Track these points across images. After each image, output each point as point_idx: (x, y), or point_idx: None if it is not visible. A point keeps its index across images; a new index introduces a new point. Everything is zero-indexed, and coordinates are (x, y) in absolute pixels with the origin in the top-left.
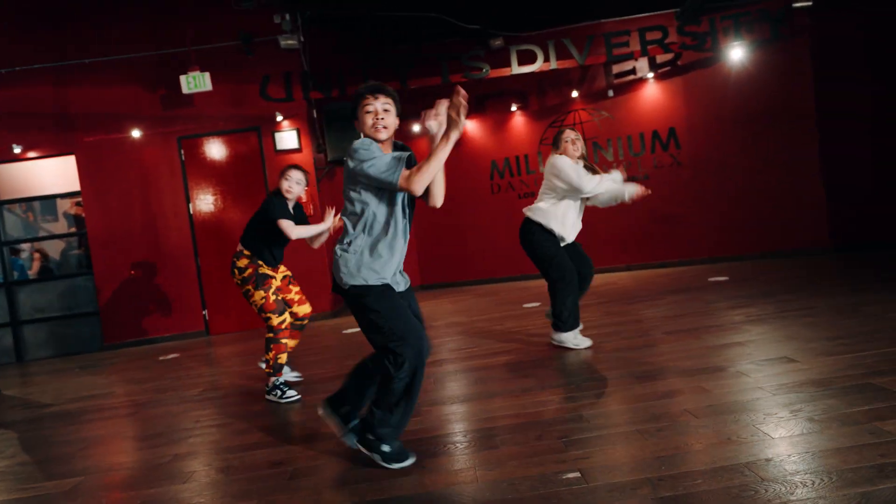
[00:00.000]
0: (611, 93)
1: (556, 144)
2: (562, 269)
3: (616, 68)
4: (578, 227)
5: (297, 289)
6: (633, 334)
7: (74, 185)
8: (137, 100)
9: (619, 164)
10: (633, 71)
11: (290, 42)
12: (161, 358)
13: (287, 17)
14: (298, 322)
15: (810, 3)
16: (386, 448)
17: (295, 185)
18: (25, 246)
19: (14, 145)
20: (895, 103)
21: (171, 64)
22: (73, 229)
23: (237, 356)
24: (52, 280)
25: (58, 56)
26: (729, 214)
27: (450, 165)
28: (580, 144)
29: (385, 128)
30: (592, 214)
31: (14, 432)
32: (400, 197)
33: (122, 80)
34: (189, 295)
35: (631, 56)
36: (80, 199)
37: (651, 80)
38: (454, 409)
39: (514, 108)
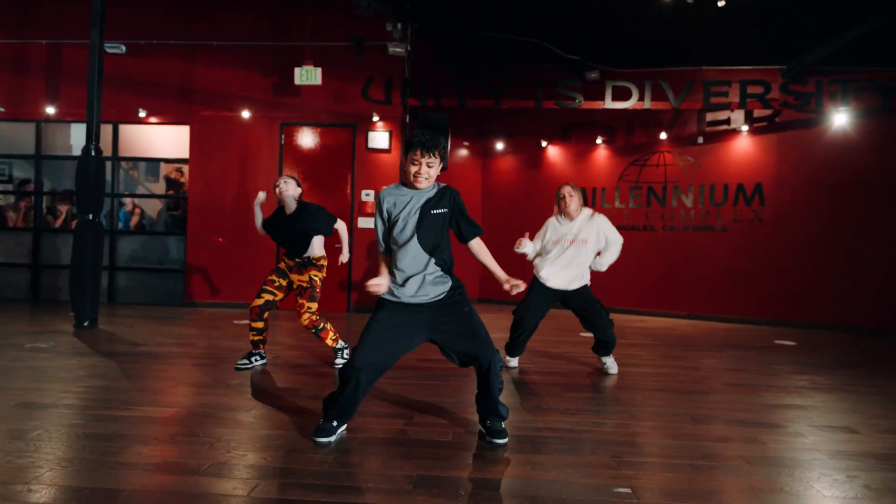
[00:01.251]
0: (700, 139)
1: (556, 201)
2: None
3: (710, 116)
4: (563, 274)
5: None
6: (690, 379)
7: (178, 153)
8: (251, 84)
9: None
10: (728, 121)
11: (397, 49)
12: (235, 322)
13: (399, 25)
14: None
15: None
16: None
17: (282, 185)
18: (127, 200)
19: (140, 109)
20: None
21: (285, 55)
22: (171, 192)
23: (301, 331)
24: (150, 235)
25: (187, 35)
26: (803, 279)
27: (526, 186)
28: (575, 200)
29: (426, 179)
30: (663, 258)
31: (115, 362)
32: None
33: (240, 64)
34: (266, 268)
35: (727, 106)
36: (180, 165)
37: (744, 133)
38: (512, 417)
39: (599, 140)
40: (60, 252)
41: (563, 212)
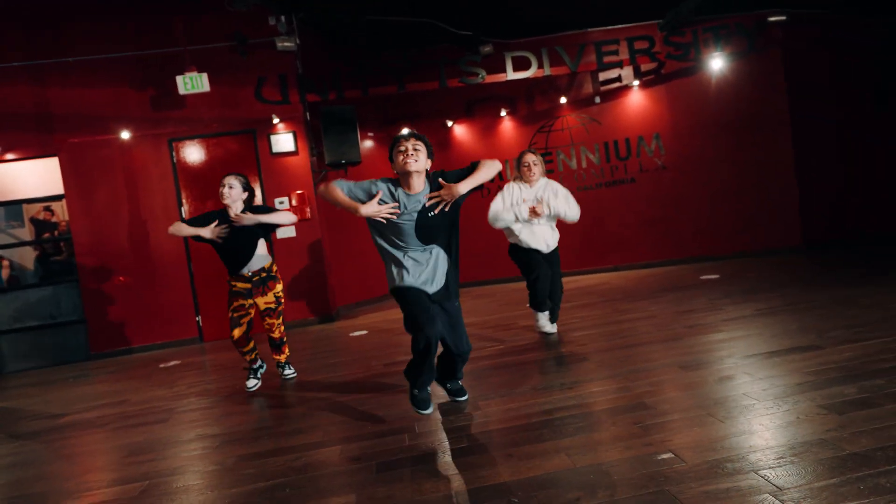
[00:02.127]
0: (598, 99)
1: (517, 166)
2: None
3: (602, 76)
4: (538, 234)
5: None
6: (653, 329)
7: (46, 190)
8: (125, 100)
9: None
10: (619, 78)
11: (286, 44)
12: (162, 365)
13: (282, 18)
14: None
15: (784, 18)
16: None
17: (228, 190)
18: None
19: None
20: (859, 111)
21: (160, 64)
22: (46, 235)
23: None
24: (31, 288)
25: (35, 54)
26: (710, 216)
27: (436, 167)
28: (538, 169)
29: (415, 161)
30: (581, 218)
31: (40, 443)
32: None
33: (109, 81)
34: (182, 301)
35: (619, 64)
36: (49, 204)
37: (636, 88)
38: (517, 402)
39: (503, 112)
40: None
41: (526, 179)
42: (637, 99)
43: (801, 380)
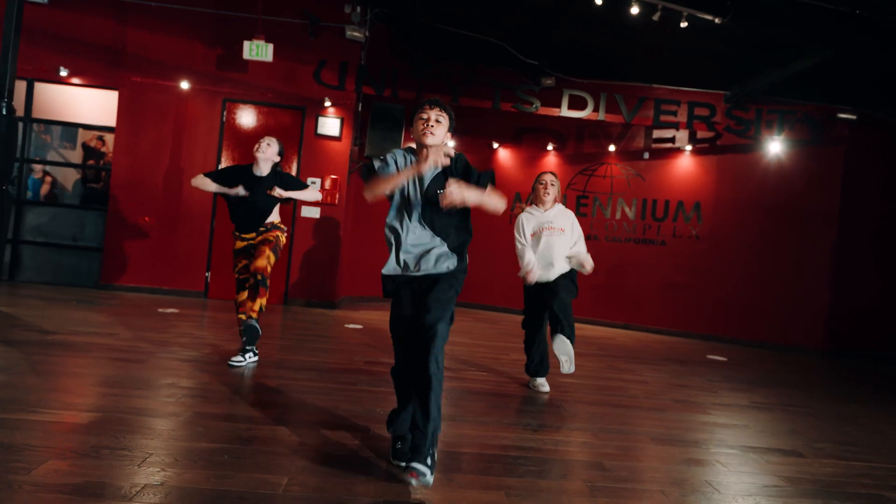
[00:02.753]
0: (646, 155)
1: (532, 187)
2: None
3: (656, 133)
4: (549, 268)
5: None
6: (641, 394)
7: (101, 120)
8: (192, 52)
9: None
10: (673, 139)
11: (355, 34)
12: (160, 310)
13: (358, 9)
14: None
15: (854, 118)
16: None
17: (265, 147)
18: (37, 167)
19: (61, 68)
20: None
21: (233, 27)
22: (91, 162)
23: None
24: (63, 207)
25: None
26: (733, 297)
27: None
28: (553, 190)
29: (433, 134)
30: (602, 268)
31: (23, 353)
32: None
33: (181, 30)
34: (197, 254)
35: (675, 126)
36: (103, 134)
37: (688, 153)
38: (476, 432)
39: (550, 146)
40: None
41: (539, 199)
42: (686, 163)
43: (771, 482)
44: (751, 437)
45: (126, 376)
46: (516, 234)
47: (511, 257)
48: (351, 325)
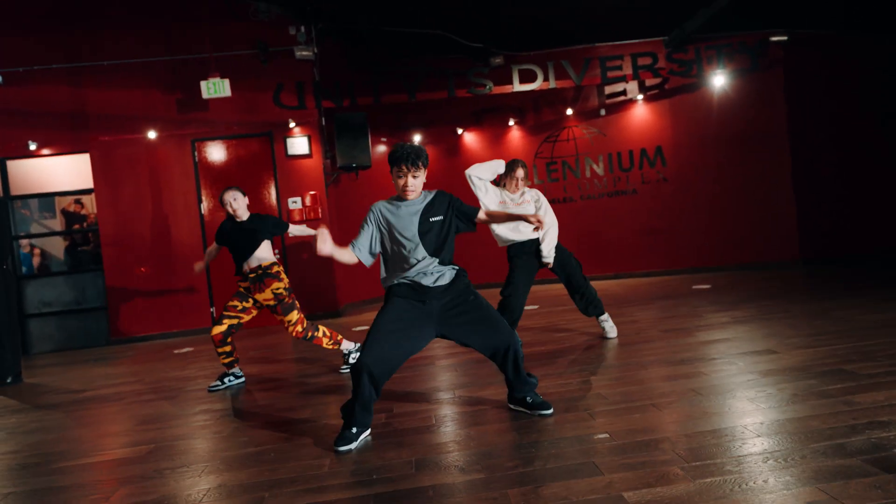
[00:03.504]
0: (603, 111)
1: (504, 174)
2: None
3: (608, 89)
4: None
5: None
6: (631, 332)
7: (77, 184)
8: (153, 102)
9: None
10: (624, 92)
11: (304, 53)
12: (176, 351)
13: (302, 29)
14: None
15: (785, 38)
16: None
17: (233, 203)
18: (24, 242)
19: (30, 142)
20: (856, 131)
21: (187, 69)
22: (76, 226)
23: (251, 350)
24: (61, 275)
25: (73, 57)
26: (709, 229)
27: (447, 174)
28: (524, 184)
29: (414, 191)
30: (583, 226)
31: (63, 412)
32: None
33: (138, 83)
34: (197, 292)
35: (623, 79)
36: (79, 197)
37: (640, 102)
38: (489, 389)
39: (511, 122)
40: None
41: (510, 188)
42: (641, 113)
43: (746, 379)
44: (731, 347)
45: (163, 412)
46: (475, 188)
47: (485, 237)
48: (358, 328)
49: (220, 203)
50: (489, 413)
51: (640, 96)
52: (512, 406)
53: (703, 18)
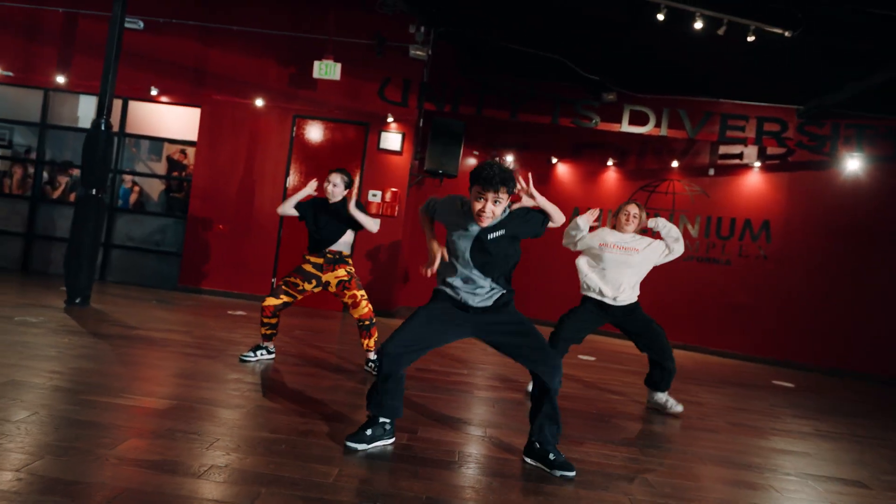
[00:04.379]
0: (711, 171)
1: (614, 214)
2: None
3: (722, 149)
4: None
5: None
6: (695, 415)
7: (184, 134)
8: (266, 72)
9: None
10: (741, 156)
11: (418, 53)
12: (230, 312)
13: (422, 28)
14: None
15: None
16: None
17: (332, 188)
18: (127, 178)
19: (153, 87)
20: None
21: (303, 47)
22: (175, 174)
23: (296, 329)
24: (149, 215)
25: (206, 16)
26: (803, 320)
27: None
28: (635, 223)
29: (489, 217)
30: (662, 288)
31: (111, 345)
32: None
33: (257, 52)
34: (265, 260)
35: (743, 141)
36: (185, 147)
37: (756, 169)
38: (520, 440)
39: (610, 162)
40: (56, 224)
41: (620, 228)
42: (754, 180)
43: None
44: (811, 465)
45: (198, 370)
46: (570, 227)
47: (559, 275)
48: None
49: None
50: (517, 465)
51: (758, 164)
52: (528, 460)
53: (848, 94)
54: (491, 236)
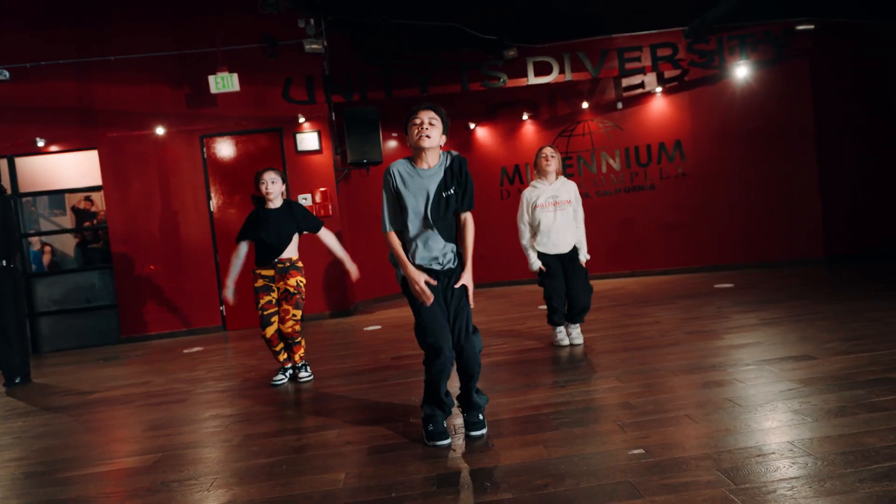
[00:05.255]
0: (620, 105)
1: (535, 162)
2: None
3: (625, 81)
4: (556, 238)
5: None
6: (656, 334)
7: (86, 181)
8: (161, 97)
9: None
10: (642, 85)
11: (314, 46)
12: (186, 351)
13: (311, 21)
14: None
15: (812, 27)
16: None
17: (271, 185)
18: (34, 239)
19: (38, 139)
20: (886, 124)
21: (195, 63)
22: (87, 223)
23: (260, 350)
24: (70, 273)
25: (80, 52)
26: (730, 225)
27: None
28: (555, 162)
29: (428, 137)
30: (600, 223)
31: (70, 416)
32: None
33: (146, 78)
34: (207, 290)
35: (642, 70)
36: (89, 194)
37: (659, 94)
38: (506, 399)
39: (525, 116)
40: None
41: (542, 171)
42: (659, 105)
43: (786, 387)
44: (764, 351)
45: (172, 417)
46: (519, 213)
47: (513, 231)
48: (370, 328)
49: (256, 181)
50: (508, 424)
51: (659, 89)
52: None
53: (726, 7)
54: (446, 193)
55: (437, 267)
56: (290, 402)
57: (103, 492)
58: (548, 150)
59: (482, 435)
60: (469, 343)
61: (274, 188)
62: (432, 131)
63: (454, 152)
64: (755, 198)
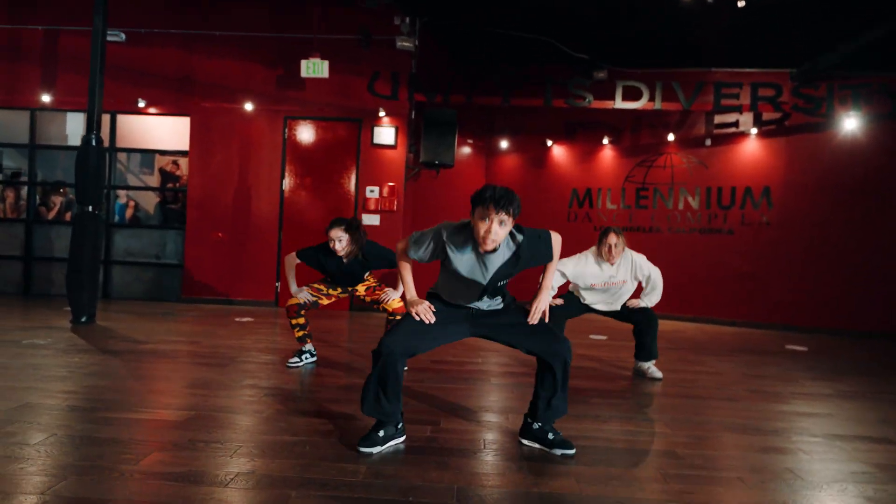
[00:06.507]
0: (708, 142)
1: (598, 242)
2: None
3: (718, 118)
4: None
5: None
6: (713, 385)
7: (175, 145)
8: (253, 75)
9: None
10: (736, 124)
11: (406, 44)
12: (237, 319)
13: (407, 20)
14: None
15: None
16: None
17: (337, 244)
18: (121, 193)
19: (139, 99)
20: None
21: (289, 47)
22: (169, 185)
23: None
24: (146, 228)
25: (188, 24)
26: (810, 284)
27: (530, 186)
28: (618, 251)
29: (493, 241)
30: (668, 261)
31: (121, 361)
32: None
33: (243, 56)
34: (266, 265)
35: (738, 109)
36: (177, 157)
37: (753, 136)
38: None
39: (605, 140)
40: (54, 245)
41: (606, 258)
42: (752, 148)
43: (859, 469)
44: (836, 425)
45: (211, 379)
46: (562, 262)
47: (571, 252)
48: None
49: (326, 234)
50: (538, 450)
51: (755, 130)
52: (524, 441)
53: (841, 53)
54: (501, 283)
55: (473, 307)
56: (322, 386)
57: (135, 438)
58: (612, 240)
59: (572, 454)
60: (561, 345)
61: (341, 246)
62: (500, 233)
63: (534, 231)
64: (843, 259)
